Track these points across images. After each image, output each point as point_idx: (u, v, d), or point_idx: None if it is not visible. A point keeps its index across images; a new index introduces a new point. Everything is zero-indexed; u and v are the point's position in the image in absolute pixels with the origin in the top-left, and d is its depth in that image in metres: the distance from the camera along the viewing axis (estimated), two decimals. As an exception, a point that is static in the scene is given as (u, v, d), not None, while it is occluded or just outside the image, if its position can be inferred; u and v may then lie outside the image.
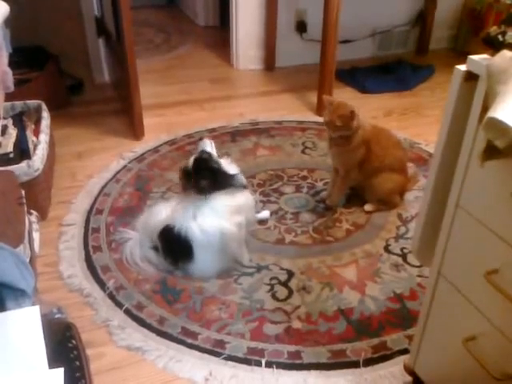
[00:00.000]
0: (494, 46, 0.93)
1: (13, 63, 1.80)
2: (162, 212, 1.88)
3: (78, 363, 1.17)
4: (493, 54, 0.92)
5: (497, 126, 0.83)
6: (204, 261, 1.79)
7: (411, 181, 2.27)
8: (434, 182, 1.15)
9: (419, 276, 1.83)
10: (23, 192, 1.74)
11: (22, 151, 2.13)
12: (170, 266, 1.83)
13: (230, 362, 1.52)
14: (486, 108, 0.91)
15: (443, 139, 1.10)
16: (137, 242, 1.91)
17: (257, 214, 2.09)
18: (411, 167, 2.43)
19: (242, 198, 1.85)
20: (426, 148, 2.64)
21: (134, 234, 1.96)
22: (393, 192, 2.15)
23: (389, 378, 1.48)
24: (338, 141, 2.04)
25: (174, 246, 1.78)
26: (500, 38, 0.91)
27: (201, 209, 1.77)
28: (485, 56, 0.96)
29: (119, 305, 1.71)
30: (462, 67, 1.00)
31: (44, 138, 2.21)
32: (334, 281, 1.82)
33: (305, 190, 2.33)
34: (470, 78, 0.99)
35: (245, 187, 1.92)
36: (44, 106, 2.45)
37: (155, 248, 1.87)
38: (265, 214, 2.12)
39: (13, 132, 2.22)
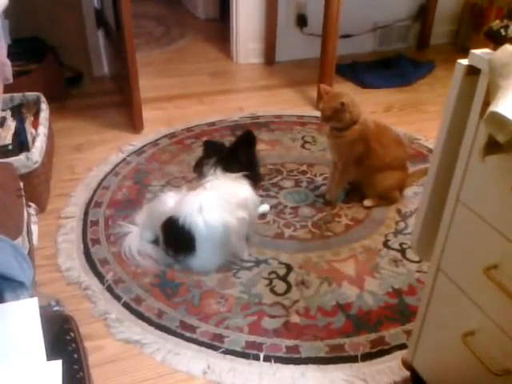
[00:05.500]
0: (496, 40, 0.92)
1: (12, 55, 1.79)
2: (168, 202, 1.88)
3: (76, 356, 1.16)
4: (495, 48, 0.91)
5: (498, 120, 0.83)
6: (205, 255, 1.79)
7: (416, 174, 2.27)
8: (435, 176, 1.15)
9: (418, 271, 1.83)
10: (22, 184, 1.73)
11: (21, 143, 2.12)
12: (170, 258, 1.83)
13: (228, 356, 1.52)
14: (487, 102, 0.91)
15: (444, 134, 1.09)
16: (136, 236, 1.90)
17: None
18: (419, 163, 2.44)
19: (248, 194, 1.84)
20: (426, 143, 2.63)
21: (133, 227, 1.96)
22: (392, 188, 2.15)
23: (387, 373, 1.48)
24: (333, 132, 2.04)
25: (177, 237, 1.78)
26: (502, 31, 0.90)
27: (207, 201, 1.76)
28: (487, 50, 0.95)
29: (118, 298, 1.71)
30: (464, 61, 1.00)
31: (43, 130, 2.20)
32: (332, 275, 1.82)
33: (304, 184, 2.32)
34: (472, 72, 0.99)
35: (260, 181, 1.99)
36: (43, 98, 2.44)
37: (155, 242, 1.87)
38: (264, 207, 2.12)
39: (11, 124, 2.21)
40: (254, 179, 1.89)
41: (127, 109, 2.83)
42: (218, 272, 1.82)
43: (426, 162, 2.42)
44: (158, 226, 1.85)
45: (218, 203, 1.76)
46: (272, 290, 1.75)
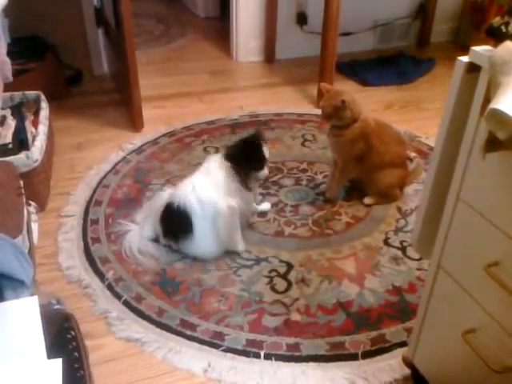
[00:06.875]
0: (496, 37, 0.92)
1: (11, 53, 1.79)
2: (166, 197, 1.91)
3: (76, 354, 1.17)
4: (495, 45, 0.91)
5: (499, 117, 0.82)
6: (203, 235, 1.80)
7: (415, 172, 2.27)
8: (435, 174, 1.15)
9: (418, 269, 1.83)
10: (22, 183, 1.73)
11: (21, 142, 2.12)
12: (171, 247, 1.85)
13: (228, 354, 1.52)
14: (488, 99, 0.91)
15: (444, 131, 1.09)
16: (136, 234, 1.91)
17: (258, 206, 2.10)
18: (415, 157, 2.46)
19: (234, 186, 1.84)
20: (427, 141, 2.63)
21: (133, 225, 1.96)
22: (393, 185, 2.14)
23: (387, 371, 1.48)
24: (334, 130, 2.04)
25: (174, 221, 1.81)
26: (503, 28, 0.90)
27: (199, 181, 1.81)
28: (487, 47, 0.95)
29: (118, 296, 1.71)
30: (465, 58, 1.00)
31: (43, 128, 2.20)
32: (333, 273, 1.82)
33: (304, 182, 2.32)
34: (473, 69, 0.98)
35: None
36: (43, 97, 2.44)
37: (155, 240, 1.88)
38: (265, 205, 2.12)
39: (12, 123, 2.21)
40: (247, 176, 1.87)
41: (127, 107, 2.83)
42: (218, 270, 1.82)
43: (427, 160, 2.42)
44: (157, 219, 1.87)
45: (209, 183, 1.80)
46: (272, 288, 1.75)
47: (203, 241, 1.82)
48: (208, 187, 1.80)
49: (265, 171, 1.87)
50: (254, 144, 1.86)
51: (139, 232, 1.92)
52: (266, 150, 1.87)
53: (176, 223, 1.81)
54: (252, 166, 1.83)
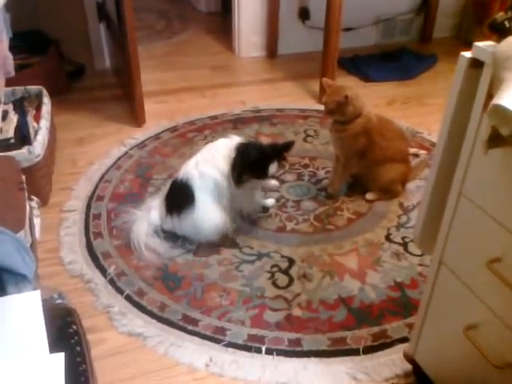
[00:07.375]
0: (500, 32, 0.91)
1: (13, 48, 1.79)
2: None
3: (78, 348, 1.17)
4: (498, 41, 0.91)
5: (502, 113, 0.82)
6: (204, 206, 1.83)
7: (417, 168, 2.27)
8: (437, 170, 1.15)
9: (420, 265, 1.83)
10: (24, 178, 1.73)
11: (23, 137, 2.12)
12: (175, 223, 1.88)
13: (230, 349, 1.53)
14: (490, 95, 0.90)
15: (447, 127, 1.09)
16: (143, 227, 1.90)
17: (262, 200, 2.10)
18: (422, 154, 2.45)
19: (226, 175, 1.85)
20: (429, 137, 2.62)
21: (140, 213, 1.96)
22: (395, 181, 2.14)
23: (389, 366, 1.48)
24: (336, 126, 2.04)
25: (177, 194, 1.86)
26: (506, 23, 0.90)
27: (202, 157, 1.87)
28: (490, 43, 0.95)
29: (120, 291, 1.71)
30: (468, 54, 0.99)
31: (45, 123, 2.20)
32: (334, 269, 1.82)
33: (306, 178, 2.32)
34: (476, 65, 0.98)
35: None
36: (45, 92, 2.44)
37: (159, 230, 1.91)
38: (270, 201, 2.13)
39: (13, 117, 2.21)
40: (240, 176, 1.83)
41: (129, 102, 2.83)
42: (220, 265, 1.82)
43: (429, 156, 2.42)
44: (162, 199, 1.93)
45: (211, 158, 1.85)
46: (274, 284, 1.75)
47: (205, 213, 1.83)
48: (210, 161, 1.85)
49: (263, 182, 1.91)
50: (264, 156, 1.84)
51: (146, 219, 1.93)
52: (273, 167, 1.85)
53: (178, 196, 1.86)
54: (251, 173, 1.82)
